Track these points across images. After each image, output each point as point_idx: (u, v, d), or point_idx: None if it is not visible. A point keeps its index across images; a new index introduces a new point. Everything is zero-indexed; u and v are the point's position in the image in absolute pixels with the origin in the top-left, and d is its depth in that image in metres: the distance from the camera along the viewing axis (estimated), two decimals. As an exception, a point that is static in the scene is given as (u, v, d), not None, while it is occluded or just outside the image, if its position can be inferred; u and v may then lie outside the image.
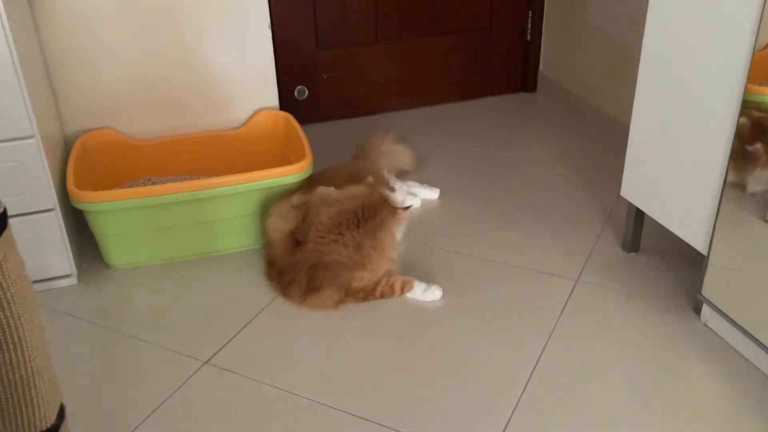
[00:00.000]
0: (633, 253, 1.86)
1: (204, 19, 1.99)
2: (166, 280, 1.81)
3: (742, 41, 1.34)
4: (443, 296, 1.71)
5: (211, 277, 1.82)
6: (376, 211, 1.67)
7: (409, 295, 1.71)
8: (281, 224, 1.71)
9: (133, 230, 1.79)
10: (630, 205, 1.80)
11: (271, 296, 1.73)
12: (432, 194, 2.18)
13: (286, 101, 2.62)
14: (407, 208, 1.75)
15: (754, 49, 1.33)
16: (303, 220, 1.68)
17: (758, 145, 1.42)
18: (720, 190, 1.46)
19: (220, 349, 1.56)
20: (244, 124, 2.14)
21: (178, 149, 2.08)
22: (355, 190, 1.73)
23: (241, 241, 1.90)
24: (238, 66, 2.07)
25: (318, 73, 2.70)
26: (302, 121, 2.14)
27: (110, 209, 1.72)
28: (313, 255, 1.64)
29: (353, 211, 1.66)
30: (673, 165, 1.60)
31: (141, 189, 1.75)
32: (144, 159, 2.06)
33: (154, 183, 2.05)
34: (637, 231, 1.84)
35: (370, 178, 1.77)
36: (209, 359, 1.53)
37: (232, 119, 2.13)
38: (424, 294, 1.70)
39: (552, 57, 2.98)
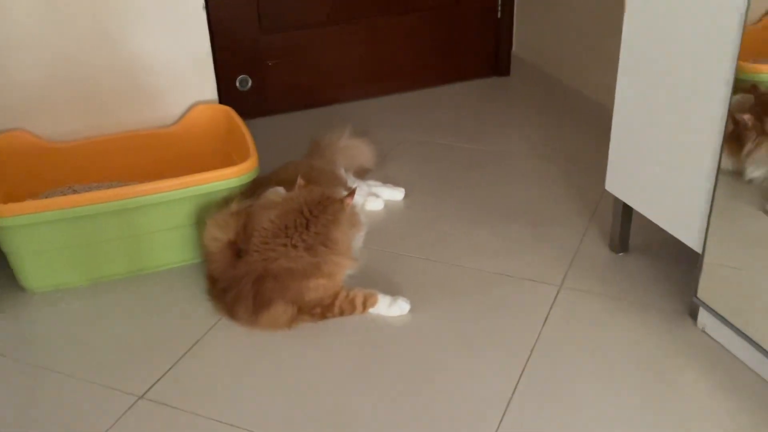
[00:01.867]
0: (621, 254, 1.88)
1: (128, 0, 1.96)
2: (92, 303, 1.78)
3: (731, 15, 1.36)
4: (411, 310, 1.71)
5: (145, 298, 1.79)
6: (324, 207, 1.68)
7: (372, 310, 1.70)
8: (219, 233, 1.70)
9: (53, 248, 1.76)
10: (616, 200, 1.82)
11: (214, 318, 1.70)
12: (396, 194, 2.18)
13: (227, 93, 2.59)
14: (352, 192, 1.75)
15: (744, 23, 1.34)
16: (244, 228, 1.67)
17: (746, 116, 1.44)
18: (714, 179, 1.48)
19: (157, 381, 1.53)
20: (178, 120, 2.12)
21: (102, 152, 2.05)
22: (288, 194, 1.73)
23: (178, 255, 1.88)
24: (169, 54, 2.05)
25: (263, 59, 2.69)
26: (246, 115, 2.13)
27: (24, 224, 1.69)
28: (258, 265, 1.63)
29: (297, 210, 1.67)
30: (661, 154, 1.62)
31: (60, 199, 1.72)
32: (63, 164, 2.02)
33: (75, 192, 2.01)
34: (625, 229, 1.86)
35: (300, 180, 1.77)
36: (144, 393, 1.50)
37: (164, 115, 2.11)
38: (390, 308, 1.70)
39: (526, 36, 3.00)
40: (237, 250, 1.68)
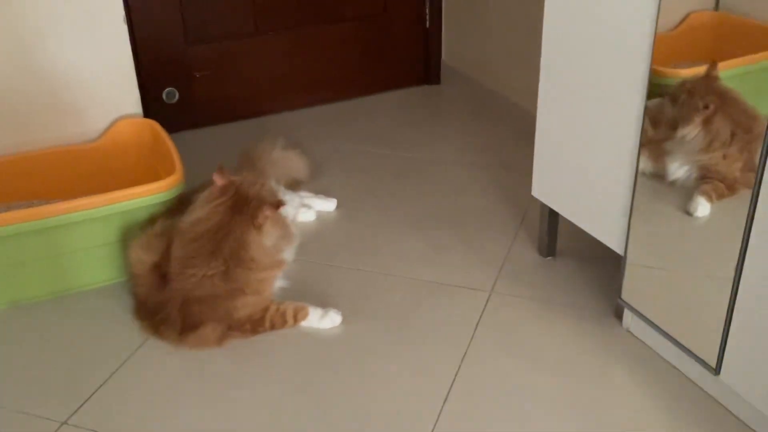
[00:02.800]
0: (549, 258, 1.92)
1: (44, 12, 1.92)
2: (12, 327, 1.73)
3: (643, 20, 1.40)
4: (343, 321, 1.70)
5: (69, 320, 1.75)
6: (230, 229, 1.61)
7: (304, 323, 1.69)
8: (144, 256, 1.67)
9: (-32, 270, 1.70)
10: (543, 205, 1.85)
11: (141, 338, 1.67)
12: (328, 205, 2.18)
13: (153, 106, 2.54)
14: (278, 205, 1.66)
15: (656, 27, 1.38)
16: (168, 250, 1.63)
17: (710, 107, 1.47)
18: (632, 182, 1.52)
19: (81, 406, 1.49)
20: (100, 136, 2.08)
21: (22, 170, 1.99)
22: (201, 210, 1.66)
23: (102, 274, 1.84)
24: (90, 68, 2.01)
25: (190, 71, 2.65)
26: (174, 128, 2.10)
27: (-64, 247, 1.63)
28: (182, 292, 1.60)
29: (201, 237, 1.61)
30: (582, 158, 1.65)
31: (-24, 220, 1.67)
32: (-21, 184, 1.96)
33: (-6, 212, 1.95)
34: (553, 233, 1.89)
35: (217, 177, 1.65)
36: (67, 419, 1.46)
37: (86, 131, 2.06)
38: (322, 321, 1.69)
39: (455, 45, 3.03)
40: (162, 272, 1.64)
